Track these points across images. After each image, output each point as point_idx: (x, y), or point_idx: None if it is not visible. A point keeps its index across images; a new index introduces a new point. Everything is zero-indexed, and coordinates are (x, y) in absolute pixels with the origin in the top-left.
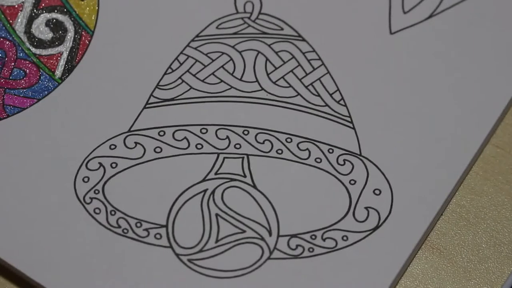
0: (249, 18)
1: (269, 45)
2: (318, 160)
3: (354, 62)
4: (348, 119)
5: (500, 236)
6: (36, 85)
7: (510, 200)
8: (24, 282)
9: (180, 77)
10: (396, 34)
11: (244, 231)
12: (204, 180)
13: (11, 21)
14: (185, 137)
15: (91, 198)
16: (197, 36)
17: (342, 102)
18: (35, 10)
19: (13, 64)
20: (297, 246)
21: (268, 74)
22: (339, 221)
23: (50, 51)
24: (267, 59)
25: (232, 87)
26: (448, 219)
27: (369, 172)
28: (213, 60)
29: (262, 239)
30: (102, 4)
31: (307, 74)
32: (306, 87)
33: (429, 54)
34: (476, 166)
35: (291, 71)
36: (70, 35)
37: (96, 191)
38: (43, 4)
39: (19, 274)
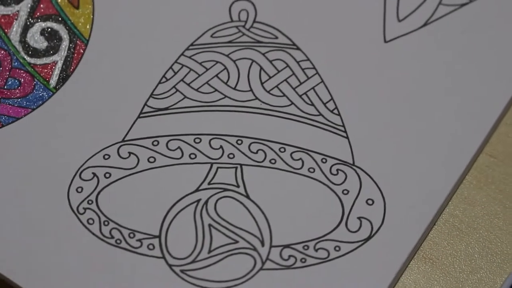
0: (243, 26)
1: (263, 54)
2: (311, 170)
3: (348, 71)
4: (342, 128)
5: (493, 246)
6: (31, 95)
7: (503, 209)
8: None
9: (174, 86)
10: (391, 42)
11: (237, 242)
12: (197, 190)
13: (6, 30)
14: (178, 147)
15: (85, 209)
16: (191, 44)
17: (335, 111)
18: (30, 19)
19: (7, 73)
20: (289, 256)
21: (262, 83)
22: (331, 231)
23: (44, 60)
24: (261, 68)
25: (226, 96)
26: (441, 229)
27: (362, 182)
28: (207, 69)
29: (255, 249)
30: (97, 13)
31: (301, 83)
32: (300, 96)
33: (423, 63)
34: (469, 175)
35: (285, 80)
36: (65, 44)
37: (90, 202)
38: (38, 13)
39: (11, 284)
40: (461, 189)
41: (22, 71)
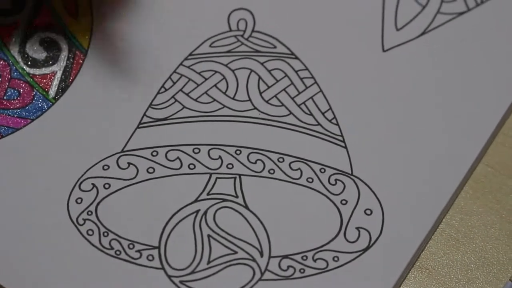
0: (242, 36)
1: (262, 64)
2: (310, 180)
3: (346, 80)
4: (340, 138)
5: (489, 256)
6: (30, 105)
7: (500, 219)
8: None
9: (173, 97)
10: (389, 51)
11: (235, 252)
12: (196, 200)
13: (5, 41)
14: (177, 157)
15: (84, 220)
16: (190, 54)
17: (334, 121)
18: (29, 30)
19: (7, 84)
20: (288, 267)
21: (260, 93)
22: (330, 241)
23: (44, 70)
24: (260, 78)
25: (224, 106)
26: (438, 239)
27: (360, 192)
28: (206, 79)
29: (254, 260)
30: (95, 23)
31: (299, 93)
32: (299, 106)
33: (421, 72)
34: (466, 185)
35: (284, 89)
36: (64, 54)
37: (89, 212)
38: (37, 24)
39: None
40: (457, 199)
41: (21, 82)
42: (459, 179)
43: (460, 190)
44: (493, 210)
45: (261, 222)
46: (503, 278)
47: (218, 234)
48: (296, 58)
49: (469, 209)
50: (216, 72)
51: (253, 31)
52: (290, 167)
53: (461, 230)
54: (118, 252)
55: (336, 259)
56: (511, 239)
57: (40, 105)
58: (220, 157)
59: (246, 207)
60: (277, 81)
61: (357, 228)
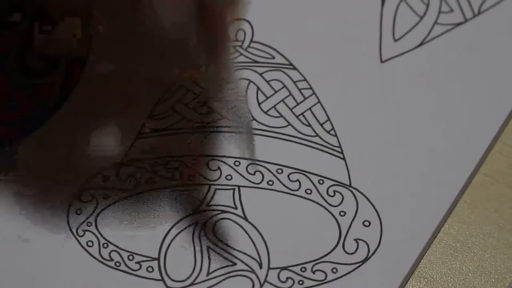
0: (240, 46)
1: (260, 74)
2: (309, 192)
3: (345, 91)
4: (339, 149)
5: (487, 265)
6: (29, 116)
7: (498, 228)
8: None
9: (172, 107)
10: (387, 62)
11: (235, 264)
12: (195, 212)
13: (4, 52)
14: (177, 168)
15: (84, 231)
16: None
17: (332, 132)
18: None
19: (6, 95)
20: (287, 278)
21: (259, 104)
22: (329, 253)
23: (43, 81)
24: (258, 88)
25: (223, 117)
26: (436, 248)
27: (358, 203)
28: (204, 89)
29: (253, 271)
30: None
31: (298, 104)
32: (297, 117)
33: (419, 82)
34: (464, 194)
35: (282, 100)
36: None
37: (89, 224)
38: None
39: None
40: (456, 208)
41: (20, 93)
42: (457, 190)
43: (458, 200)
44: (491, 219)
45: (260, 234)
46: (501, 287)
47: (217, 246)
48: (295, 68)
49: (467, 218)
50: None
51: (251, 41)
52: (289, 179)
53: (459, 239)
54: (118, 264)
55: (334, 270)
56: (509, 248)
57: (39, 115)
58: (219, 168)
59: (245, 218)
60: (276, 91)
61: (356, 240)
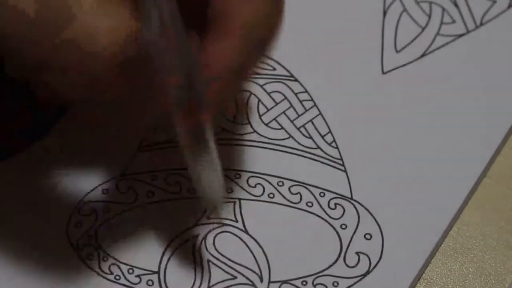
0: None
1: (261, 86)
2: (310, 204)
3: (346, 103)
4: (340, 162)
5: (487, 266)
6: (31, 126)
7: (498, 230)
8: None
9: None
10: (389, 73)
11: (235, 277)
12: (196, 225)
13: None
14: (177, 181)
15: (84, 244)
16: None
17: (333, 144)
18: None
19: (6, 106)
20: None
21: (260, 116)
22: (330, 266)
23: None
24: (259, 100)
25: (224, 129)
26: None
27: (360, 216)
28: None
29: (253, 285)
30: None
31: (299, 116)
32: (298, 129)
33: (421, 94)
34: None
35: (283, 112)
36: None
37: (89, 237)
38: None
39: None
40: None
41: (21, 103)
42: (459, 202)
43: (460, 213)
44: (491, 220)
45: (261, 247)
46: None
47: (218, 259)
48: (296, 80)
49: (467, 219)
50: None
51: None
52: (290, 191)
53: (459, 241)
54: (117, 277)
55: (336, 284)
56: (509, 249)
57: (41, 125)
58: None
59: (246, 231)
60: (277, 103)
61: (357, 253)
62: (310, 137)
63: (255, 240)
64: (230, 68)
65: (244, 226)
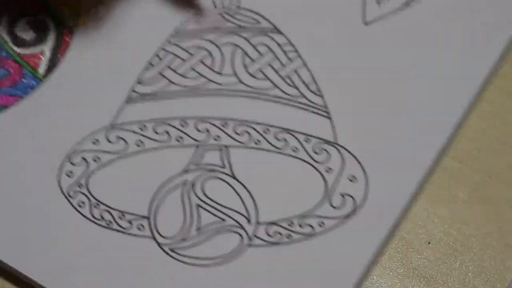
0: (227, 13)
1: (246, 39)
2: (295, 150)
3: (329, 53)
4: (324, 109)
5: (487, 265)
6: (20, 84)
7: (497, 229)
8: (10, 274)
9: (160, 72)
10: (371, 24)
11: (224, 220)
12: (184, 171)
13: None
14: (165, 131)
15: (75, 192)
16: (176, 31)
17: (318, 92)
18: (18, 11)
19: None
20: (275, 233)
21: (246, 67)
22: (315, 207)
23: (32, 50)
24: (244, 53)
25: (211, 80)
26: (436, 248)
27: (344, 160)
28: (192, 55)
29: (242, 227)
30: (83, 3)
31: (283, 66)
32: (283, 78)
33: (403, 44)
34: (464, 194)
35: (268, 63)
36: (52, 33)
37: (80, 185)
38: (25, 5)
39: (4, 267)
40: (455, 208)
41: (11, 61)
42: (439, 145)
43: (442, 155)
44: (490, 219)
45: (248, 191)
46: (500, 286)
47: (207, 203)
48: (280, 32)
49: (467, 218)
50: (201, 48)
51: (237, 8)
52: (276, 138)
53: (459, 239)
54: (109, 223)
55: (321, 224)
56: (508, 248)
57: (29, 83)
58: (207, 129)
59: (233, 177)
60: (262, 55)
61: (342, 195)
62: (295, 86)
63: (242, 185)
64: None
65: (231, 171)
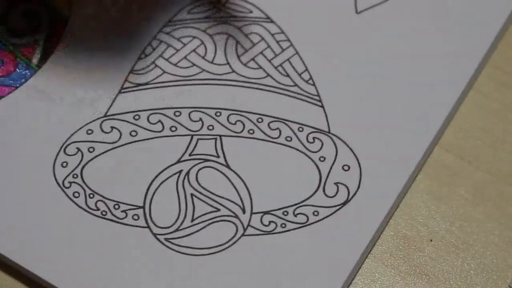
0: (219, 2)
1: (239, 28)
2: (289, 139)
3: (321, 42)
4: (317, 98)
5: (488, 262)
6: (14, 73)
7: (499, 226)
8: (5, 265)
9: (153, 62)
10: (362, 13)
11: (218, 210)
12: (178, 161)
13: None
14: (159, 120)
15: (70, 183)
16: (169, 21)
17: (310, 81)
18: (10, 1)
19: None
20: (270, 222)
21: (238, 57)
22: (310, 197)
23: (26, 40)
24: (237, 42)
25: (204, 70)
26: (437, 245)
27: (338, 149)
28: (185, 45)
29: (236, 216)
30: None
31: (276, 55)
32: (276, 67)
33: (394, 33)
34: (465, 192)
35: (261, 52)
36: (45, 24)
37: (75, 176)
38: None
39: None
40: (457, 206)
41: (4, 51)
42: (431, 137)
43: (435, 145)
44: (492, 217)
45: (242, 180)
46: (502, 284)
47: (201, 193)
48: (272, 22)
49: (469, 215)
50: (194, 37)
51: None
52: (269, 127)
53: (460, 237)
54: (104, 213)
55: (316, 213)
56: (510, 245)
57: (23, 73)
58: (200, 119)
59: (228, 166)
60: (254, 44)
61: (336, 184)
62: (288, 75)
63: (237, 174)
64: None
65: (225, 161)
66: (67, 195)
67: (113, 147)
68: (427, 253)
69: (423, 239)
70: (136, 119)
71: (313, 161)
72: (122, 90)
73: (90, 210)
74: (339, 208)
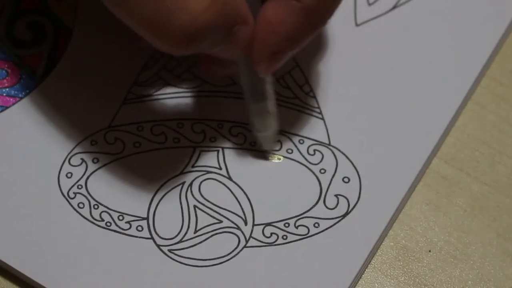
0: None
1: None
2: (290, 151)
3: (322, 55)
4: (318, 110)
5: (486, 273)
6: (18, 84)
7: (497, 237)
8: (10, 274)
9: (156, 74)
10: (362, 25)
11: (221, 221)
12: (181, 173)
13: None
14: (162, 132)
15: (75, 193)
16: None
17: (311, 93)
18: (15, 13)
19: None
20: (271, 234)
21: None
22: (310, 209)
23: (31, 51)
24: None
25: (206, 82)
26: (436, 256)
27: (338, 161)
28: (187, 56)
29: (238, 228)
30: (79, 3)
31: None
32: (277, 80)
33: (394, 46)
34: (464, 203)
35: None
36: (50, 35)
37: (79, 186)
38: (23, 7)
39: (4, 266)
40: (455, 217)
41: (9, 62)
42: (432, 145)
43: (433, 157)
44: (490, 227)
45: (244, 192)
46: None
47: (204, 205)
48: None
49: (467, 226)
50: None
51: None
52: None
53: (458, 247)
54: (108, 224)
55: (316, 225)
56: (507, 256)
57: (28, 83)
58: (203, 131)
59: (230, 178)
60: None
61: (336, 196)
62: (288, 88)
63: (239, 186)
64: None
65: (228, 173)
66: (72, 206)
67: (117, 158)
68: (426, 264)
69: (422, 250)
70: (140, 130)
71: (313, 173)
72: (126, 101)
73: (95, 221)
74: (340, 220)
